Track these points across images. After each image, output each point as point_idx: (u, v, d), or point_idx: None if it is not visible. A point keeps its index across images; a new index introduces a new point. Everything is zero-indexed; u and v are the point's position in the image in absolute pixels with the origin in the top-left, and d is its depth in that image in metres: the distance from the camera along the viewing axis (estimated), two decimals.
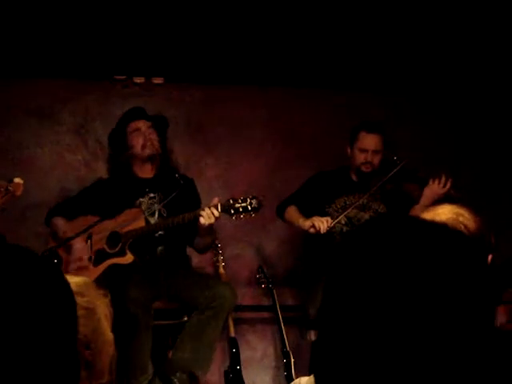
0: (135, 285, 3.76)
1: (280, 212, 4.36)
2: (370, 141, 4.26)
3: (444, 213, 2.16)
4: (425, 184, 4.18)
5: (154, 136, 4.09)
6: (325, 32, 4.66)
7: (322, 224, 4.01)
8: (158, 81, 4.96)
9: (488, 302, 0.76)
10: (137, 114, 4.16)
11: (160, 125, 4.17)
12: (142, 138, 4.07)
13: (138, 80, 4.95)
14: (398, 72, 4.98)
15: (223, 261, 4.64)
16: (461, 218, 2.14)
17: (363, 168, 4.28)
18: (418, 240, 0.78)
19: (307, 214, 4.20)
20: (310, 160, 4.97)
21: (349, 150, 4.36)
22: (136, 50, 4.70)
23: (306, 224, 4.08)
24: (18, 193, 3.73)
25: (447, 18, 4.55)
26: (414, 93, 5.15)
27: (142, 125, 4.09)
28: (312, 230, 4.04)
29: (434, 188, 4.12)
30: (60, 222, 4.09)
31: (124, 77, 4.93)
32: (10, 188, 3.69)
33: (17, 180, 3.73)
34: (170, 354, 3.90)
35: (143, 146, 4.06)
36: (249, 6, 4.44)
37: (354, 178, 4.40)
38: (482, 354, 0.73)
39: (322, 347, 0.79)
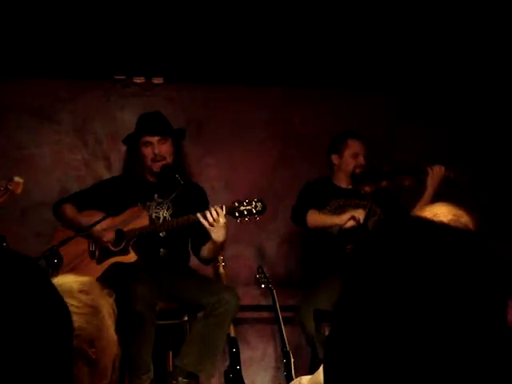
0: (141, 283, 3.76)
1: (301, 219, 4.34)
2: (360, 145, 4.50)
3: (444, 214, 2.15)
4: (416, 172, 4.38)
5: (164, 148, 4.02)
6: (325, 32, 4.67)
7: (360, 214, 4.18)
8: (157, 81, 4.96)
9: (501, 300, 0.76)
10: (150, 126, 4.05)
11: (174, 136, 4.11)
12: (152, 151, 4.01)
13: (137, 80, 4.95)
14: (397, 72, 4.98)
15: (223, 261, 4.64)
16: (462, 220, 2.13)
17: (357, 171, 4.47)
18: (430, 242, 0.79)
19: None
20: (309, 160, 4.97)
21: (336, 158, 4.51)
22: (136, 50, 4.70)
23: (343, 218, 4.22)
24: (18, 191, 3.71)
25: (446, 18, 4.55)
26: (414, 93, 5.15)
27: (153, 138, 4.02)
28: (351, 222, 4.20)
29: (434, 175, 4.30)
30: (70, 210, 4.06)
31: (124, 77, 4.93)
32: (9, 187, 3.67)
33: (16, 179, 3.71)
34: (174, 361, 3.90)
35: (153, 161, 4.02)
36: (249, 6, 4.44)
37: (343, 185, 4.51)
38: (495, 353, 0.73)
39: (336, 344, 0.80)
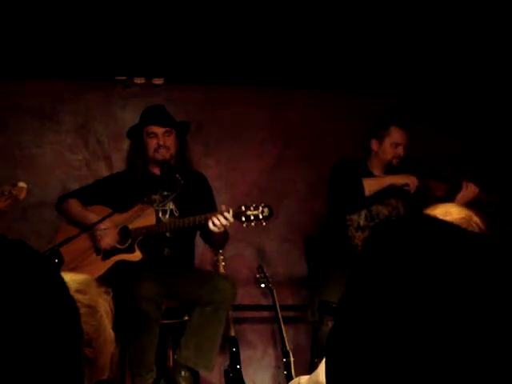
0: (146, 281, 3.75)
1: (359, 189, 4.26)
2: (402, 135, 4.38)
3: (456, 212, 2.16)
4: (452, 184, 4.30)
5: (169, 141, 4.04)
6: (325, 33, 4.67)
7: (414, 183, 4.25)
8: (158, 81, 4.97)
9: (507, 301, 0.76)
10: (155, 117, 4.08)
11: (179, 129, 4.13)
12: (156, 142, 4.03)
13: (138, 80, 4.95)
14: (398, 73, 4.98)
15: (223, 260, 4.64)
16: (474, 219, 2.14)
17: (394, 162, 4.36)
18: (437, 241, 0.78)
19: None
20: (310, 160, 4.98)
21: (376, 144, 4.38)
22: (136, 51, 4.71)
23: (400, 181, 4.27)
24: (22, 197, 3.71)
25: (448, 19, 4.55)
26: (414, 94, 5.15)
27: (158, 130, 4.04)
28: (405, 187, 4.25)
29: (467, 191, 4.23)
30: (76, 204, 4.05)
31: (125, 77, 4.94)
32: (13, 192, 3.67)
33: (21, 184, 3.71)
34: (175, 355, 3.89)
35: (156, 150, 4.02)
36: (249, 7, 4.45)
37: (376, 172, 4.41)
38: (498, 355, 0.73)
39: (338, 342, 0.80)
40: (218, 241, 3.98)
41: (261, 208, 3.70)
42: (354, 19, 4.57)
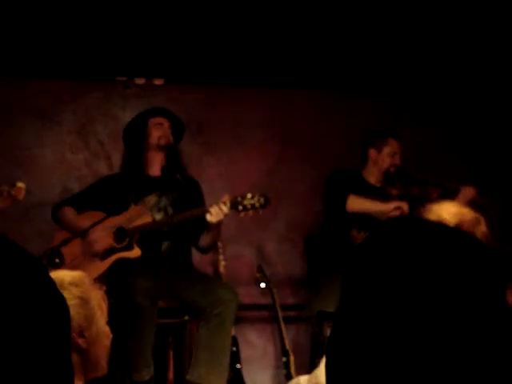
0: (143, 277, 3.78)
1: (341, 203, 4.31)
2: (399, 145, 4.55)
3: (468, 212, 2.19)
4: (447, 190, 4.41)
5: (171, 136, 4.21)
6: (325, 34, 4.68)
7: (405, 206, 4.26)
8: (158, 82, 4.98)
9: (500, 293, 0.77)
10: (162, 111, 4.28)
11: (178, 128, 4.28)
12: (162, 131, 4.17)
13: (138, 81, 4.97)
14: (397, 74, 4.99)
15: (223, 260, 4.65)
16: (482, 221, 2.17)
17: (391, 169, 4.50)
18: (434, 244, 0.79)
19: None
20: (310, 160, 4.99)
21: (374, 153, 4.51)
22: (137, 52, 4.73)
23: (390, 206, 4.28)
24: (20, 197, 3.72)
25: (447, 19, 4.56)
26: (414, 94, 5.16)
27: (165, 121, 4.21)
28: (397, 212, 4.25)
29: (465, 194, 4.33)
30: (70, 213, 4.11)
31: (125, 78, 4.95)
32: (12, 192, 3.68)
33: (19, 185, 3.72)
34: (187, 375, 3.85)
35: (160, 138, 4.15)
36: (249, 7, 4.46)
37: (372, 180, 4.52)
38: (495, 350, 0.74)
39: (338, 345, 0.80)
40: (208, 240, 4.05)
41: (257, 197, 3.80)
42: (353, 20, 4.57)
